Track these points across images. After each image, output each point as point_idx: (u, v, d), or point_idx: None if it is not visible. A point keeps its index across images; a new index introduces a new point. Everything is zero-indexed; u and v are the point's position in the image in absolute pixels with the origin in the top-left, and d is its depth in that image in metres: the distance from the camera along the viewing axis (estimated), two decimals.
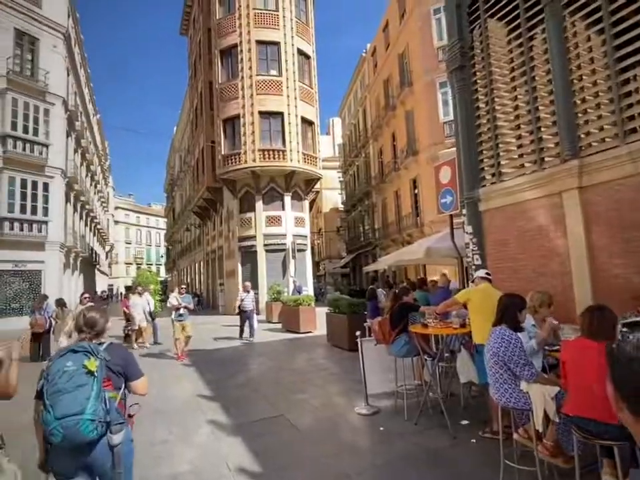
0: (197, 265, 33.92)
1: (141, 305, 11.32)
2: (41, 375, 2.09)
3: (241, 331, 11.75)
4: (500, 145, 5.53)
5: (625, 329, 2.81)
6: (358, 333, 5.17)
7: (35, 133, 18.93)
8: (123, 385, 2.29)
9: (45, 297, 9.97)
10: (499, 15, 5.74)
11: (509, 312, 3.24)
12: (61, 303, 9.89)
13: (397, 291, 5.47)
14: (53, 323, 9.58)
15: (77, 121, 24.55)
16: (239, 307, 11.53)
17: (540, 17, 5.12)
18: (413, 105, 20.79)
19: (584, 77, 4.81)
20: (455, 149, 6.31)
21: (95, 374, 2.03)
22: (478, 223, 5.58)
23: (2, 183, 17.76)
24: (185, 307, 9.03)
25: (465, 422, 4.45)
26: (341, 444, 4.17)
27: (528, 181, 5.09)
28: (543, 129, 5.08)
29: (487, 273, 4.36)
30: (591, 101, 4.71)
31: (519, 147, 5.47)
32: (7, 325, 16.97)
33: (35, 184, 18.85)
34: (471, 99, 5.93)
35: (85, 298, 8.93)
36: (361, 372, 5.12)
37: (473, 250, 5.54)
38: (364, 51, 29.53)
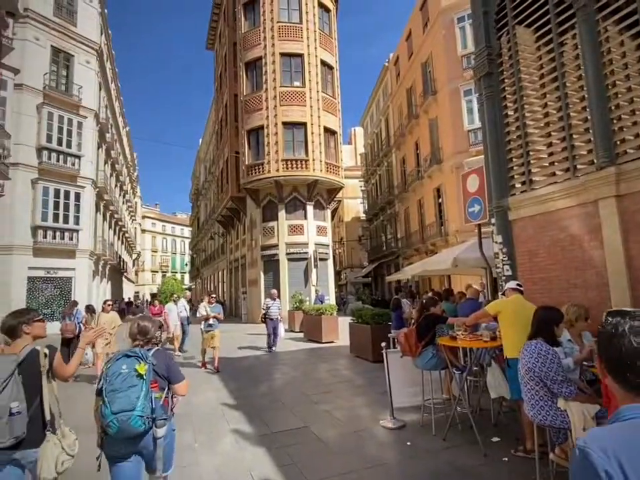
0: (220, 273, 34.35)
1: (176, 311, 11.52)
2: (100, 376, 2.52)
3: (270, 341, 11.34)
4: (530, 153, 5.39)
5: (608, 317, 2.75)
6: (384, 344, 5.08)
7: (68, 145, 19.73)
8: (167, 386, 2.63)
9: (75, 303, 10.24)
10: (527, 22, 5.64)
11: (546, 325, 3.11)
12: (90, 309, 10.11)
13: (424, 301, 5.35)
14: (82, 328, 9.84)
15: (108, 133, 25.46)
16: (264, 316, 11.27)
17: (571, 22, 5.00)
18: (436, 113, 20.64)
19: (618, 83, 4.65)
20: (480, 157, 6.19)
21: (144, 377, 2.39)
22: (507, 233, 5.43)
23: (37, 192, 18.54)
24: (215, 317, 8.84)
25: (496, 439, 4.29)
26: (368, 459, 4.07)
27: (560, 189, 4.93)
28: (575, 136, 4.92)
29: (518, 284, 4.22)
30: (626, 107, 4.54)
31: (550, 154, 5.32)
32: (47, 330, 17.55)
33: (67, 194, 19.59)
34: (499, 106, 5.82)
35: (108, 305, 8.82)
36: (386, 384, 5.03)
37: (502, 260, 5.38)
38: (386, 60, 29.60)
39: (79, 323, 9.83)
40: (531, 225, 5.24)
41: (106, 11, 24.73)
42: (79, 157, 20.14)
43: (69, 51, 20.53)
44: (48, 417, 2.52)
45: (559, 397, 2.90)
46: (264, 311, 11.41)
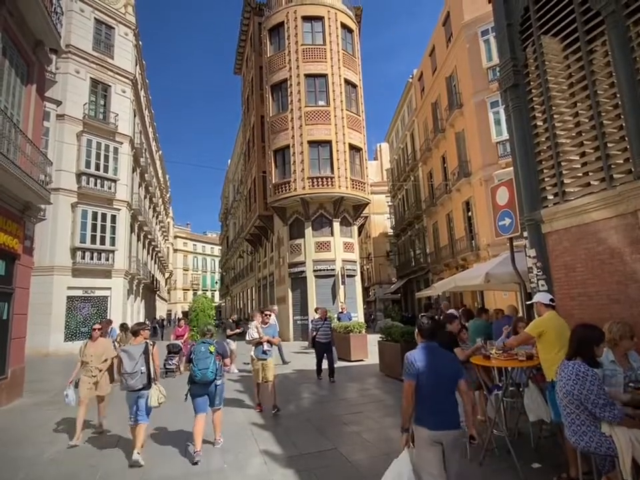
0: (249, 290, 34.70)
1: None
2: (190, 353, 4.99)
3: (319, 369, 9.72)
4: (562, 163, 5.22)
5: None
6: None
7: (105, 169, 20.72)
8: (221, 359, 5.11)
9: (110, 322, 10.57)
10: (553, 31, 5.54)
11: (585, 345, 2.91)
12: (124, 328, 10.41)
13: (440, 317, 5.19)
14: (117, 346, 10.11)
15: (142, 157, 26.59)
16: (314, 339, 9.81)
17: (600, 29, 4.88)
18: (463, 126, 20.43)
19: None
20: (510, 169, 6.04)
21: (213, 353, 4.93)
22: (541, 246, 5.22)
23: (76, 215, 19.49)
24: (269, 341, 6.75)
25: (536, 465, 4.04)
26: None
27: (596, 200, 4.72)
28: (610, 145, 4.73)
29: (552, 300, 4.02)
30: None
31: (584, 164, 5.12)
32: (75, 349, 18.16)
33: (104, 216, 20.48)
34: (528, 117, 5.69)
35: (98, 330, 6.22)
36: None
37: (537, 275, 5.17)
38: (410, 76, 29.72)
39: (113, 341, 10.11)
40: (566, 238, 5.03)
41: (140, 42, 26.16)
42: (115, 181, 21.10)
43: (106, 82, 21.77)
44: (152, 376, 4.83)
45: (602, 421, 2.71)
46: (314, 333, 9.89)
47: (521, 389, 4.77)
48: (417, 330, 3.15)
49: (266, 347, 6.70)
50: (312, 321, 10.98)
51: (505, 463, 4.13)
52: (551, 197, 5.35)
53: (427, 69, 26.07)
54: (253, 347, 6.87)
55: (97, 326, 6.33)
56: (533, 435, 4.55)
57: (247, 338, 6.96)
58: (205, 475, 4.34)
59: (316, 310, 11.12)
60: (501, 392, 4.37)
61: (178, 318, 12.53)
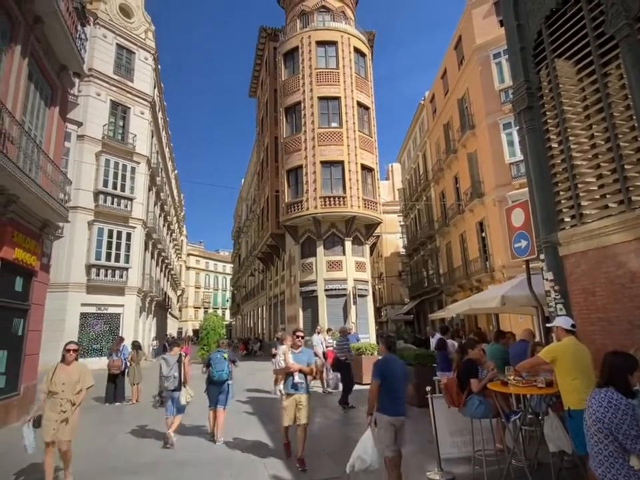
0: (260, 309, 34.61)
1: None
2: (207, 360, 6.54)
3: (346, 396, 8.81)
4: (579, 185, 5.15)
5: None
6: (428, 389, 4.81)
7: (122, 188, 21.19)
8: (232, 364, 6.56)
9: (122, 340, 10.60)
10: (567, 55, 5.57)
11: (619, 373, 2.76)
12: (136, 346, 10.43)
13: (463, 342, 5.07)
14: (128, 365, 10.11)
15: (158, 177, 27.16)
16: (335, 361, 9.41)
17: (614, 52, 4.88)
18: (475, 147, 20.46)
19: None
20: (524, 190, 5.99)
21: (226, 359, 6.47)
22: (559, 269, 5.12)
23: (92, 233, 19.86)
24: (303, 371, 5.32)
25: None
26: None
27: (614, 222, 4.63)
28: (628, 167, 4.67)
29: (573, 325, 3.90)
30: None
31: (601, 186, 5.05)
32: (87, 365, 18.24)
33: (119, 234, 20.83)
34: (543, 139, 5.66)
35: (72, 352, 4.84)
36: (432, 431, 4.72)
37: (555, 299, 5.04)
38: (422, 98, 30.06)
39: (125, 359, 10.13)
40: (584, 261, 4.92)
41: (159, 66, 27.08)
42: (131, 200, 21.53)
43: (125, 104, 22.50)
44: (182, 380, 6.19)
45: (632, 454, 2.58)
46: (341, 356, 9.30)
47: (540, 418, 4.60)
48: (381, 345, 4.36)
49: (297, 378, 5.24)
50: (339, 339, 10.19)
51: None
52: (567, 219, 5.27)
53: (438, 91, 26.36)
54: (282, 379, 5.53)
55: (73, 346, 4.80)
56: (554, 466, 4.35)
57: (276, 366, 5.71)
58: None
59: (328, 330, 11.01)
60: (520, 419, 4.21)
61: (168, 339, 11.37)
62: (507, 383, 4.12)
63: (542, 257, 5.36)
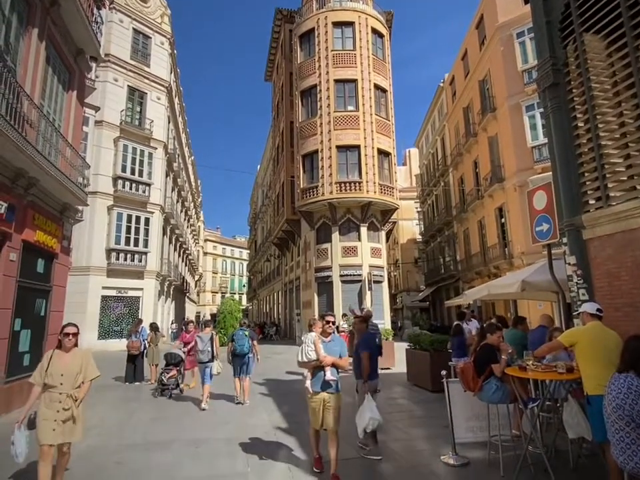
0: (275, 294, 34.92)
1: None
2: (231, 337, 7.93)
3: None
4: (605, 166, 4.92)
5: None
6: (444, 373, 4.75)
7: (140, 174, 21.43)
8: (252, 341, 7.85)
9: (140, 321, 10.82)
10: (596, 28, 5.27)
11: None
12: (154, 328, 10.64)
13: (484, 325, 4.95)
14: (147, 346, 10.34)
15: (175, 162, 27.36)
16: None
17: None
18: (496, 130, 19.89)
19: None
20: (546, 174, 5.77)
21: (247, 336, 7.75)
22: (582, 253, 4.93)
23: (112, 218, 20.22)
24: (336, 366, 4.25)
25: None
26: None
27: None
28: None
29: (599, 310, 3.76)
30: None
31: (629, 167, 4.82)
32: (108, 347, 18.82)
33: (138, 219, 21.15)
34: (568, 118, 5.42)
35: (71, 336, 3.76)
36: (447, 416, 4.68)
37: (577, 283, 4.88)
38: (441, 80, 29.28)
39: (144, 341, 10.35)
40: (610, 245, 4.73)
41: (175, 51, 27.01)
42: (149, 185, 21.78)
43: (142, 89, 22.59)
44: (214, 354, 7.53)
45: None
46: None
47: (558, 404, 4.50)
48: (359, 324, 5.79)
49: (329, 374, 4.15)
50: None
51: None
52: (592, 201, 5.06)
53: (459, 72, 25.62)
54: (309, 374, 4.31)
55: (72, 329, 3.80)
56: (573, 454, 4.27)
57: (300, 358, 4.30)
58: (229, 478, 4.31)
59: (343, 316, 10.57)
60: (537, 406, 4.12)
61: (185, 321, 10.37)
62: (525, 368, 4.02)
63: (564, 240, 5.17)
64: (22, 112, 7.02)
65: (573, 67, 5.51)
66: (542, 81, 5.70)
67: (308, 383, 4.24)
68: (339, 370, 4.33)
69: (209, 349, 7.50)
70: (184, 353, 9.11)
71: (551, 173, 5.71)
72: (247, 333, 7.78)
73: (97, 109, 14.24)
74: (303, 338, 4.40)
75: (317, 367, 4.20)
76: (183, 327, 10.19)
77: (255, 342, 7.93)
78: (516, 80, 18.52)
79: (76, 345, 3.83)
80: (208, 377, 7.51)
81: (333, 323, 4.42)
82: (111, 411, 7.39)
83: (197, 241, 51.61)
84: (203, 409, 7.27)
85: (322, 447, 4.43)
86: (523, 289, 6.11)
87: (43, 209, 8.18)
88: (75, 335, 3.79)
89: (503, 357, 4.21)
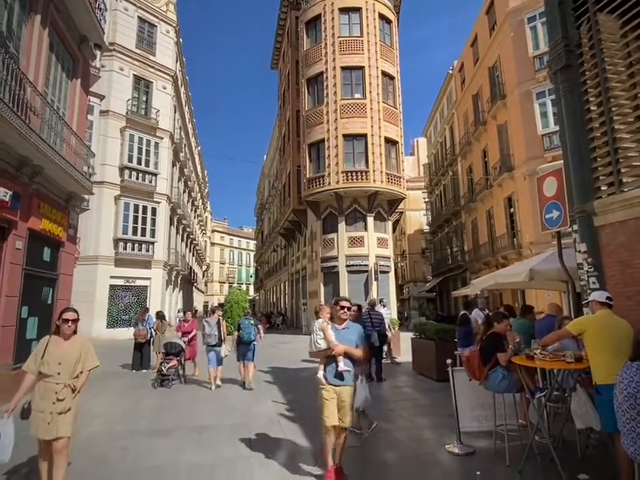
0: (282, 284, 35.02)
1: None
2: (237, 325, 8.35)
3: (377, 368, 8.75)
4: (619, 151, 4.76)
5: None
6: (449, 362, 4.68)
7: (147, 163, 21.43)
8: (257, 328, 8.42)
9: (147, 310, 10.88)
10: (611, 7, 5.06)
11: None
12: (160, 316, 10.69)
13: (490, 314, 4.86)
14: (154, 334, 10.40)
15: (181, 152, 27.32)
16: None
17: None
18: (506, 118, 19.53)
19: None
20: (556, 162, 5.61)
21: (252, 324, 8.24)
22: (593, 240, 4.80)
23: (119, 208, 20.29)
24: (349, 356, 3.77)
25: (583, 476, 3.71)
26: None
27: None
28: None
29: (608, 298, 3.65)
30: None
31: None
32: (116, 335, 19.02)
33: (144, 208, 21.21)
34: (580, 102, 5.24)
35: (70, 322, 3.41)
36: (452, 405, 4.62)
37: (588, 272, 4.76)
38: (450, 68, 28.76)
39: (150, 329, 10.41)
40: (622, 232, 4.59)
41: (181, 39, 26.80)
42: (155, 175, 21.79)
43: (148, 79, 22.48)
44: (222, 338, 8.10)
45: None
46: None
47: (566, 394, 4.42)
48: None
49: (342, 364, 3.67)
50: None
51: (548, 473, 3.83)
52: (605, 187, 4.91)
53: (468, 59, 25.13)
54: (322, 364, 3.82)
55: (71, 315, 3.47)
56: (580, 444, 4.20)
57: (311, 347, 3.87)
58: (233, 462, 4.31)
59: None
60: (545, 395, 4.04)
61: (178, 310, 10.75)
62: (532, 357, 3.93)
63: (575, 227, 5.04)
64: (25, 99, 6.98)
65: (586, 49, 5.32)
66: (554, 63, 5.52)
67: (320, 374, 3.75)
68: (355, 362, 3.80)
69: (216, 332, 8.04)
70: (184, 342, 8.96)
71: (561, 161, 5.56)
72: (252, 321, 8.30)
73: (101, 97, 14.18)
74: (313, 326, 3.96)
75: (329, 357, 3.72)
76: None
77: (260, 327, 8.71)
78: (527, 66, 18.11)
79: (75, 332, 3.49)
80: (214, 360, 8.01)
81: (349, 308, 3.92)
82: (117, 398, 7.46)
83: (204, 232, 51.81)
84: (218, 386, 8.06)
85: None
86: (531, 278, 5.99)
87: (48, 197, 8.19)
88: (75, 321, 3.45)
89: (509, 346, 4.12)
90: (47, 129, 7.91)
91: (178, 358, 8.63)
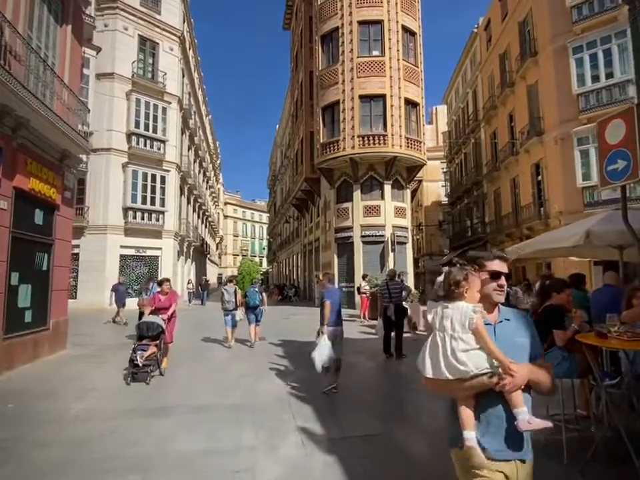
0: (294, 257, 34.48)
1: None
2: (244, 293, 9.82)
3: (386, 344, 8.31)
4: None
5: None
6: None
7: (154, 130, 20.59)
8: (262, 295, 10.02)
9: (151, 279, 10.35)
10: None
11: None
12: (161, 283, 10.11)
13: (546, 283, 4.02)
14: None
15: (191, 120, 26.35)
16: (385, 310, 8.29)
17: None
18: (536, 77, 17.95)
19: None
20: (592, 125, 4.58)
21: (258, 291, 9.77)
22: None
23: (127, 176, 19.65)
24: (528, 387, 1.69)
25: None
26: None
27: None
28: None
29: None
30: None
31: None
32: (129, 305, 18.73)
33: (153, 177, 20.53)
34: None
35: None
36: None
37: None
38: (475, 25, 26.70)
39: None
40: None
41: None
42: (164, 142, 20.99)
43: (154, 39, 21.34)
44: (237, 303, 9.52)
45: None
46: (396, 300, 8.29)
47: None
48: (325, 280, 6.14)
49: (524, 413, 1.59)
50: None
51: (618, 475, 3.09)
52: None
53: (495, 15, 23.16)
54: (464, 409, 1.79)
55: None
56: None
57: (429, 367, 1.75)
58: (234, 453, 3.68)
59: (364, 277, 10.26)
60: (617, 384, 3.25)
61: (159, 280, 8.04)
62: (605, 334, 3.11)
63: None
64: (3, 40, 6.17)
65: None
66: None
67: (471, 440, 1.66)
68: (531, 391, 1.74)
69: (233, 299, 9.36)
70: (163, 321, 6.73)
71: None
72: (257, 289, 9.74)
73: (98, 49, 13.16)
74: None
75: (482, 394, 1.67)
76: (199, 286, 9.92)
77: (264, 294, 10.19)
78: (563, 18, 16.38)
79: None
80: (230, 322, 9.35)
81: (507, 276, 1.94)
82: (118, 372, 6.88)
83: (216, 204, 51.28)
84: (229, 347, 9.25)
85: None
86: (586, 238, 5.01)
87: (37, 154, 7.48)
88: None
89: (573, 325, 3.28)
90: (32, 78, 7.13)
91: (157, 342, 6.47)
